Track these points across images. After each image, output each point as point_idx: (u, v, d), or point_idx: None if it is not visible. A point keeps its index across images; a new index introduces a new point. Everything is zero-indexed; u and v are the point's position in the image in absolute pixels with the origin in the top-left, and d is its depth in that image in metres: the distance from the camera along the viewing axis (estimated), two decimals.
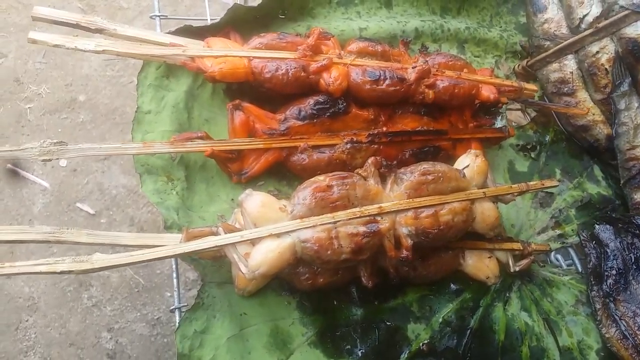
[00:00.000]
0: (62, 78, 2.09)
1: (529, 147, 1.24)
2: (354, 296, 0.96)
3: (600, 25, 1.20)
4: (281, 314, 0.92)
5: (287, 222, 0.85)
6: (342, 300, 0.96)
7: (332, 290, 0.95)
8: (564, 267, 1.12)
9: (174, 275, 0.93)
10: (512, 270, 1.02)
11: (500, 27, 1.37)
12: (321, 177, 0.88)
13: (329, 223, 0.85)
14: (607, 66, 1.21)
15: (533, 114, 1.29)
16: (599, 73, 1.22)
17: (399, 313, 0.97)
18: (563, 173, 1.23)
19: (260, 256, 0.83)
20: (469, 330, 0.97)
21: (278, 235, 0.84)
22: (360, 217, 0.87)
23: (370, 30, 1.20)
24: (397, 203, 0.90)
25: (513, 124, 1.26)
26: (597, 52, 1.21)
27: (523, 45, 1.35)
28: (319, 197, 0.86)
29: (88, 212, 1.90)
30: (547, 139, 1.26)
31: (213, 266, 0.91)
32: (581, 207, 1.19)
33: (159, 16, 1.14)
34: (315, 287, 0.91)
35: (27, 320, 1.73)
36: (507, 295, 1.04)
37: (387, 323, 0.96)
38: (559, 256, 1.13)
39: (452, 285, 1.02)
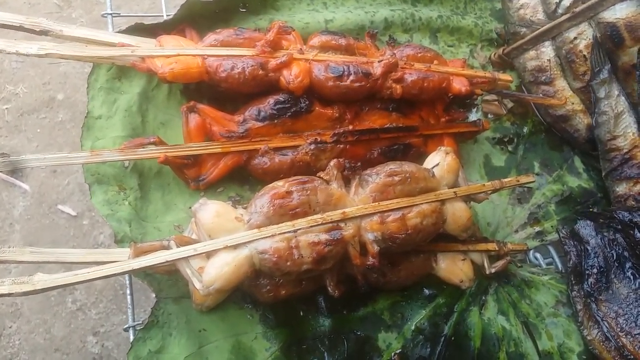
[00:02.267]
0: (39, 77, 2.04)
1: (506, 139, 1.19)
2: (321, 306, 0.91)
3: (578, 9, 1.14)
4: (243, 328, 0.87)
5: (243, 232, 0.79)
6: (308, 310, 0.91)
7: (297, 301, 0.90)
8: (544, 266, 1.07)
9: (128, 291, 0.88)
10: (487, 272, 0.97)
11: (475, 14, 1.31)
12: (280, 183, 0.83)
13: (289, 232, 0.80)
14: (585, 52, 1.15)
15: (510, 104, 1.23)
16: (577, 60, 1.16)
17: (369, 322, 0.92)
18: (542, 166, 1.18)
19: (214, 271, 0.77)
20: (442, 338, 0.92)
21: (234, 247, 0.79)
22: (322, 224, 0.81)
23: (337, 22, 1.15)
24: (362, 207, 0.85)
25: (489, 116, 1.21)
26: (575, 38, 1.16)
27: (499, 32, 1.29)
28: (278, 204, 0.81)
29: (69, 214, 1.85)
30: (525, 130, 1.21)
31: (169, 280, 0.86)
32: (561, 201, 1.14)
33: (111, 14, 1.08)
34: (278, 299, 0.86)
35: (10, 327, 1.70)
36: (483, 298, 0.99)
37: (357, 333, 0.91)
38: (538, 255, 1.08)
39: (425, 290, 0.97)
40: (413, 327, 0.93)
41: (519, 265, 1.04)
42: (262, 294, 0.85)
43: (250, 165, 0.95)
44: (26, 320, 1.70)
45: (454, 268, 0.95)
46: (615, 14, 1.11)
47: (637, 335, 0.94)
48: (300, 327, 0.89)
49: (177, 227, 0.90)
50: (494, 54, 1.28)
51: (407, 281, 0.94)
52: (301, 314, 0.90)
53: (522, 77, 1.25)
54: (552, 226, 1.09)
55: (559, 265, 1.07)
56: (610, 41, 1.13)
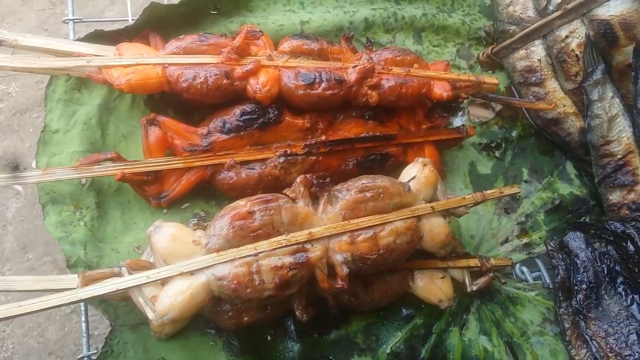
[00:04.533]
0: (32, 76, 1.98)
1: (493, 145, 1.12)
2: (290, 330, 0.86)
3: (570, 6, 1.08)
4: (206, 356, 0.82)
5: (200, 257, 0.74)
6: (276, 335, 0.86)
7: (264, 325, 0.85)
8: (530, 281, 1.01)
9: (82, 318, 0.83)
10: (469, 290, 0.92)
11: (463, 10, 1.24)
12: (242, 202, 0.78)
13: (250, 255, 0.75)
14: (577, 52, 1.08)
15: (499, 107, 1.17)
16: (569, 60, 1.10)
17: (342, 346, 0.87)
18: (531, 172, 1.11)
19: (168, 300, 0.73)
20: None
21: (191, 273, 0.74)
22: (286, 246, 0.76)
23: (314, 24, 1.09)
24: (330, 227, 0.79)
25: (476, 120, 1.15)
26: (567, 37, 1.09)
27: (487, 30, 1.22)
28: (238, 226, 0.75)
29: None
30: (513, 134, 1.15)
31: (126, 307, 0.81)
32: (551, 210, 1.08)
33: (72, 20, 1.02)
34: (240, 325, 0.81)
35: (4, 331, 1.66)
36: (465, 317, 0.94)
37: (329, 358, 0.86)
38: (524, 268, 1.02)
39: (403, 310, 0.91)
40: (388, 351, 0.88)
41: (503, 281, 0.98)
42: (223, 320, 0.80)
43: (216, 181, 0.89)
44: (20, 324, 1.67)
45: (432, 287, 0.90)
46: (609, 11, 1.04)
47: (628, 357, 0.89)
48: (267, 353, 0.85)
49: (136, 249, 0.85)
50: (482, 54, 1.21)
51: (381, 302, 0.88)
52: (269, 338, 0.86)
53: (512, 78, 1.18)
54: (540, 238, 1.03)
55: (547, 280, 1.01)
56: (604, 40, 1.06)
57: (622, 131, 1.05)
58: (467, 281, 0.92)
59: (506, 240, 1.04)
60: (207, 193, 0.93)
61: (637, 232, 0.95)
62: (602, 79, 1.06)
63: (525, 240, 1.04)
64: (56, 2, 2.14)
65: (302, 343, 0.86)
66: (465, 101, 1.14)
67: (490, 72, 1.21)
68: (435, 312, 0.92)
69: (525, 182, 1.10)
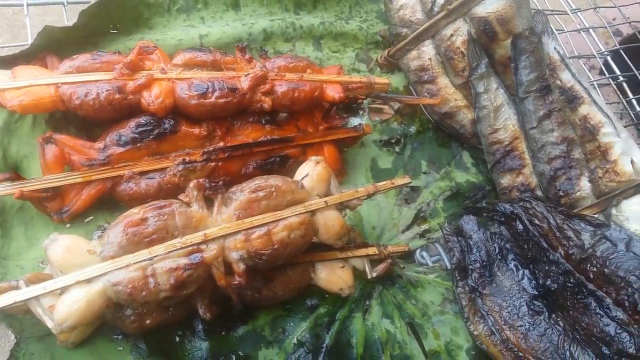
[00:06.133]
0: None
1: (393, 141, 1.19)
2: (198, 329, 0.89)
3: (452, 6, 1.16)
4: None
5: (96, 265, 0.77)
6: (184, 335, 0.89)
7: (172, 327, 0.88)
8: (430, 264, 1.07)
9: None
10: (369, 276, 0.97)
11: (361, 17, 1.31)
12: (135, 210, 0.81)
13: (145, 260, 0.78)
14: (462, 49, 1.16)
15: (397, 105, 1.24)
16: (456, 57, 1.17)
17: (249, 340, 0.90)
18: (430, 164, 1.18)
19: (65, 308, 0.75)
20: (324, 349, 0.91)
21: (88, 281, 0.77)
22: (181, 248, 0.80)
23: (213, 37, 1.14)
24: (225, 227, 0.83)
25: (376, 119, 1.21)
26: (452, 35, 1.17)
27: (382, 34, 1.30)
28: (132, 232, 0.79)
29: None
30: (412, 130, 1.21)
31: (32, 319, 0.82)
32: (449, 197, 1.15)
33: None
34: (144, 329, 0.83)
35: None
36: (367, 303, 0.99)
37: (237, 353, 0.89)
38: (424, 253, 1.09)
39: (307, 301, 0.96)
40: (295, 341, 0.92)
41: (402, 266, 1.04)
42: (126, 325, 0.83)
43: (116, 192, 0.92)
44: None
45: (333, 277, 0.95)
46: (487, 8, 1.13)
47: (520, 327, 0.95)
48: (175, 354, 0.87)
49: (40, 264, 0.87)
50: (380, 57, 1.28)
51: (285, 295, 0.93)
52: (177, 339, 0.88)
53: (408, 78, 1.26)
54: (439, 224, 1.09)
55: (447, 262, 1.07)
56: (484, 36, 1.14)
57: (508, 119, 1.13)
58: (367, 269, 0.97)
59: (407, 229, 1.10)
60: (111, 205, 0.95)
61: (524, 212, 1.02)
62: (486, 73, 1.14)
63: (424, 227, 1.11)
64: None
65: (211, 341, 0.89)
66: (365, 102, 1.20)
67: (389, 73, 1.28)
68: (339, 301, 0.96)
69: (424, 173, 1.17)
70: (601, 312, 0.89)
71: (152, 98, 0.92)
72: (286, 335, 0.92)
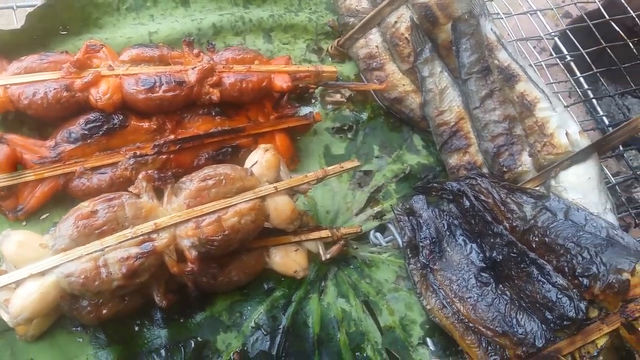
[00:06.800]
0: None
1: (345, 128, 1.22)
2: (156, 318, 0.92)
3: None
4: (74, 352, 0.87)
5: (48, 258, 0.79)
6: (143, 324, 0.91)
7: (131, 316, 0.91)
8: (383, 244, 1.11)
9: None
10: (323, 258, 1.00)
11: (310, 9, 1.34)
12: (85, 203, 0.83)
13: (96, 251, 0.80)
14: (407, 35, 1.20)
15: (349, 93, 1.27)
16: (401, 43, 1.21)
17: (208, 326, 0.93)
18: (381, 148, 1.22)
19: (19, 301, 0.77)
20: (281, 330, 0.94)
21: (41, 274, 0.79)
22: (132, 238, 0.82)
23: (162, 33, 1.16)
24: (175, 216, 0.86)
25: (329, 107, 1.24)
26: (396, 22, 1.21)
27: (331, 25, 1.33)
28: (82, 225, 0.81)
29: None
30: (364, 116, 1.25)
31: None
32: (402, 179, 1.19)
33: None
34: (101, 319, 0.86)
35: None
36: (323, 284, 1.02)
37: (197, 339, 0.92)
38: (378, 234, 1.12)
39: (264, 285, 0.98)
40: (252, 324, 0.94)
41: (355, 247, 1.08)
42: (83, 316, 0.85)
43: (69, 189, 0.94)
44: None
45: (287, 260, 0.98)
46: None
47: (469, 299, 0.99)
48: (135, 342, 0.89)
49: None
50: (331, 47, 1.31)
51: (241, 280, 0.95)
52: (136, 328, 0.91)
53: (358, 66, 1.29)
54: (391, 205, 1.12)
55: (400, 241, 1.10)
56: (426, 21, 1.18)
57: (452, 101, 1.16)
58: (321, 251, 1.00)
59: (360, 211, 1.13)
60: (66, 202, 0.96)
61: (470, 188, 1.05)
62: (430, 57, 1.18)
63: (377, 209, 1.14)
64: None
65: (169, 328, 0.91)
66: (317, 91, 1.23)
67: (340, 62, 1.31)
68: (295, 283, 0.99)
69: (377, 157, 1.20)
70: (543, 280, 0.93)
71: (99, 95, 0.94)
72: (244, 319, 0.95)
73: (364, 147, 1.21)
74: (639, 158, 1.76)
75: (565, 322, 0.89)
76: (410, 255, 1.06)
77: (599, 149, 0.99)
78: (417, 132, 1.26)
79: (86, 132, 0.94)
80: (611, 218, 0.97)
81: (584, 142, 0.99)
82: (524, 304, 0.95)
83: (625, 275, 0.86)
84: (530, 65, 1.19)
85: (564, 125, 1.01)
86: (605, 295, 0.87)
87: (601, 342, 0.87)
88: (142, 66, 1.00)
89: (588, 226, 0.94)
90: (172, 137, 1.00)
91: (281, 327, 0.95)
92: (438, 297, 1.02)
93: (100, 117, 0.95)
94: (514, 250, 0.97)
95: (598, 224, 0.93)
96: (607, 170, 1.30)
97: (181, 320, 0.93)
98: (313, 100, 1.24)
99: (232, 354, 0.92)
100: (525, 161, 1.06)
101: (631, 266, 0.86)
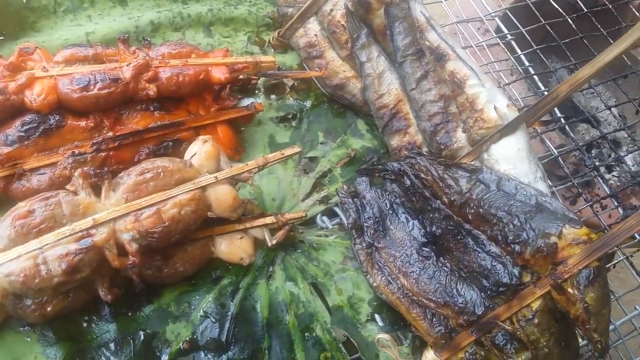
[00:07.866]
0: None
1: (289, 116, 1.24)
2: (104, 313, 0.93)
3: None
4: (22, 351, 0.88)
5: None
6: (91, 320, 0.92)
7: (78, 312, 0.92)
8: (330, 227, 1.13)
9: None
10: (269, 244, 1.02)
11: (250, 1, 1.36)
12: (22, 203, 0.84)
13: (35, 249, 0.81)
14: (343, 22, 1.22)
15: (292, 82, 1.29)
16: (338, 30, 1.23)
17: (156, 318, 0.94)
18: (326, 134, 1.24)
19: None
20: (229, 316, 0.96)
21: None
22: (70, 235, 0.83)
23: (99, 33, 1.16)
24: (114, 210, 0.87)
25: (272, 97, 1.26)
26: (332, 10, 1.23)
27: (271, 16, 1.34)
28: (19, 224, 0.82)
29: None
30: (308, 104, 1.27)
31: None
32: (347, 164, 1.21)
33: None
34: (47, 316, 0.87)
35: None
36: (271, 269, 1.04)
37: (146, 331, 0.93)
38: (324, 218, 1.14)
39: (212, 274, 1.00)
40: (201, 313, 0.96)
41: (301, 232, 1.10)
42: (28, 314, 0.86)
43: (10, 191, 0.95)
44: None
45: (232, 248, 0.99)
46: None
47: (412, 274, 1.02)
48: (83, 338, 0.91)
49: None
50: (272, 38, 1.33)
51: (187, 271, 0.97)
52: (84, 324, 0.92)
53: (300, 55, 1.31)
54: (337, 189, 1.15)
55: (346, 223, 1.13)
56: (360, 7, 1.20)
57: (391, 84, 1.19)
58: (267, 237, 1.02)
59: (307, 197, 1.16)
60: (9, 206, 0.97)
61: (410, 167, 1.08)
62: (367, 42, 1.21)
63: (323, 193, 1.16)
64: None
65: (118, 322, 0.93)
66: (259, 82, 1.25)
67: (283, 53, 1.33)
68: (242, 270, 1.01)
69: (322, 143, 1.22)
70: (478, 249, 0.97)
71: (34, 96, 0.95)
72: (192, 308, 0.97)
73: (308, 134, 1.23)
74: (591, 132, 1.82)
75: (500, 288, 0.93)
76: (355, 236, 1.08)
77: (527, 121, 1.03)
78: (360, 116, 1.29)
79: (23, 133, 0.95)
80: (542, 186, 1.00)
81: (512, 114, 1.03)
82: (463, 274, 0.99)
83: (553, 239, 0.90)
84: (462, 47, 1.22)
85: (493, 100, 1.04)
86: (536, 260, 0.91)
87: (535, 305, 0.91)
88: (77, 66, 1.00)
89: (519, 195, 0.97)
90: (110, 134, 1.01)
91: (229, 313, 0.97)
92: (384, 274, 1.05)
93: (36, 118, 0.96)
94: (451, 223, 1.00)
95: (528, 192, 0.97)
96: (549, 143, 1.34)
97: (129, 314, 0.94)
98: (256, 92, 1.25)
99: (181, 343, 0.93)
100: (460, 137, 1.09)
101: (558, 229, 0.90)
